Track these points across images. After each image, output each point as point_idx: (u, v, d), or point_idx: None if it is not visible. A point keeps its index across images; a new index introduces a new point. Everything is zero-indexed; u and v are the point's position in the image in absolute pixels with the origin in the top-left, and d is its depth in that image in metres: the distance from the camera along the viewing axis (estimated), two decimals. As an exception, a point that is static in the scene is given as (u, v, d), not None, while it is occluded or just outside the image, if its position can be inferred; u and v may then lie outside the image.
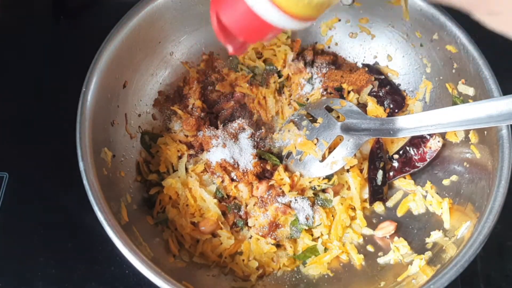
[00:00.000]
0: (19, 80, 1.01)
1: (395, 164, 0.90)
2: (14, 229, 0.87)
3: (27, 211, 0.88)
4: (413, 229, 0.85)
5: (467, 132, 0.85)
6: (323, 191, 0.90)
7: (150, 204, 0.86)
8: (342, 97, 0.97)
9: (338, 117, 0.91)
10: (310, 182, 0.88)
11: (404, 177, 0.91)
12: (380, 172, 0.89)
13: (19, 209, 0.88)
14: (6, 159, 0.93)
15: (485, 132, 0.80)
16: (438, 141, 0.88)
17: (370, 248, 0.85)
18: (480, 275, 0.83)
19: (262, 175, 0.89)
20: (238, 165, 0.87)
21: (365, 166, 0.91)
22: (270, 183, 0.86)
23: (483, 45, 0.83)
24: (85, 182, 0.71)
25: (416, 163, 0.89)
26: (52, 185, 0.90)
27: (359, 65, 1.01)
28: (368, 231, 0.88)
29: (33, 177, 0.91)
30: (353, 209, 0.89)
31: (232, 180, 0.87)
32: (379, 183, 0.89)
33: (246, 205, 0.87)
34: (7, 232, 0.86)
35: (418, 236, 0.84)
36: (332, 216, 0.88)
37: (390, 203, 0.90)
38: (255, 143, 0.91)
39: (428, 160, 0.88)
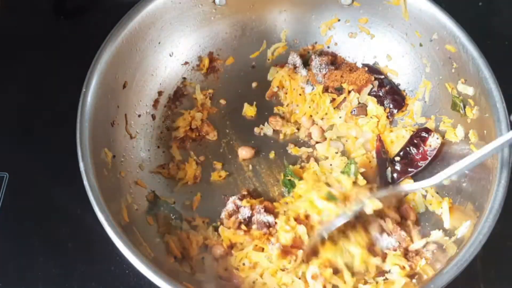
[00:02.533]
0: (19, 80, 1.01)
1: (397, 166, 0.90)
2: (14, 229, 0.87)
3: (27, 211, 0.88)
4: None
5: (466, 131, 0.85)
6: None
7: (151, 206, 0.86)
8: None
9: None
10: None
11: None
12: (389, 169, 0.89)
13: (19, 209, 0.88)
14: (6, 159, 0.93)
15: (485, 131, 0.80)
16: (437, 138, 0.88)
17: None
18: (480, 275, 0.83)
19: None
20: None
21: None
22: None
23: (483, 44, 0.83)
24: (85, 182, 0.72)
25: (419, 163, 0.89)
26: (52, 185, 0.89)
27: (359, 65, 1.00)
28: None
29: (33, 177, 0.91)
30: None
31: None
32: (389, 180, 0.89)
33: None
34: (7, 232, 0.86)
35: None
36: None
37: (390, 203, 0.91)
38: None
39: (429, 158, 0.88)
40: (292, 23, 1.01)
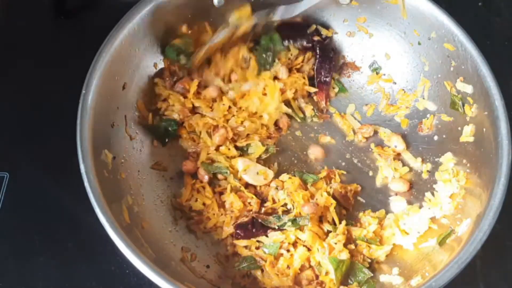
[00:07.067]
0: (19, 81, 1.01)
1: None
2: (14, 229, 0.87)
3: (27, 211, 0.88)
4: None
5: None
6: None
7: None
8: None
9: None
10: None
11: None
12: None
13: (19, 209, 0.88)
14: (6, 159, 0.93)
15: (484, 129, 0.80)
16: None
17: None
18: (480, 275, 0.83)
19: None
20: None
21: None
22: None
23: (482, 44, 0.83)
24: (86, 184, 0.71)
25: None
26: (52, 185, 0.89)
27: (358, 64, 1.01)
28: None
29: (33, 177, 0.91)
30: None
31: None
32: None
33: None
34: (7, 232, 0.86)
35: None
36: None
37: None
38: None
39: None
40: (291, 22, 1.01)
